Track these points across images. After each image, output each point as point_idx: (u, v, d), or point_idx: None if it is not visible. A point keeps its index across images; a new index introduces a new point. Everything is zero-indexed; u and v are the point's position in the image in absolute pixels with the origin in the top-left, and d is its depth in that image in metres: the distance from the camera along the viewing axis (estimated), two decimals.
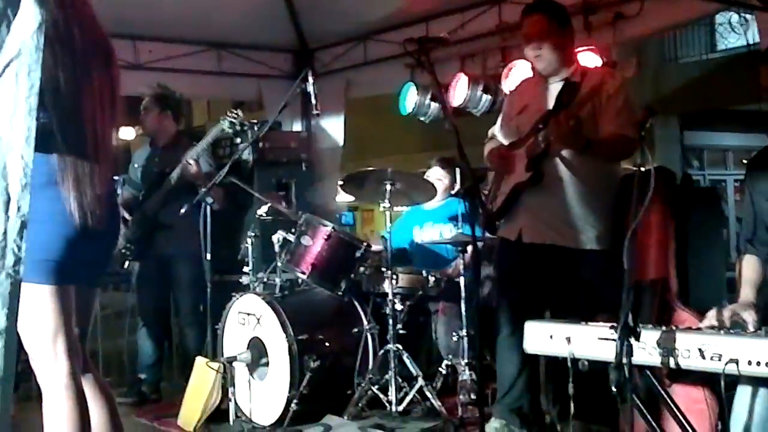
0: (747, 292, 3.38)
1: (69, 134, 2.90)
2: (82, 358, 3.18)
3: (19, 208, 2.00)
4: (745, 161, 17.54)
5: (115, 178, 3.38)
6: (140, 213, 5.92)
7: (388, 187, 5.12)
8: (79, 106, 2.93)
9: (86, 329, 3.26)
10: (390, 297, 5.09)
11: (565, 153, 4.29)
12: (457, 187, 5.95)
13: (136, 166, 6.19)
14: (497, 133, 4.72)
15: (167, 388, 6.14)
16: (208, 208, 5.28)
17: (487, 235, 4.59)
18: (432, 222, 6.14)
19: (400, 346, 5.02)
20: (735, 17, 12.25)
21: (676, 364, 2.99)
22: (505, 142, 4.60)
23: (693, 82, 14.47)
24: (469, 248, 4.99)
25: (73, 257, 2.92)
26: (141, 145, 6.74)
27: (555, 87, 4.39)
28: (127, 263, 5.96)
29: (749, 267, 3.43)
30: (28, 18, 1.94)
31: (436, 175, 6.13)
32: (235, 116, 5.51)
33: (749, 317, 3.22)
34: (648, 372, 3.20)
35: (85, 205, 2.92)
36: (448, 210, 6.03)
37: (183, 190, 5.69)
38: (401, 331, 5.12)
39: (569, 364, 3.27)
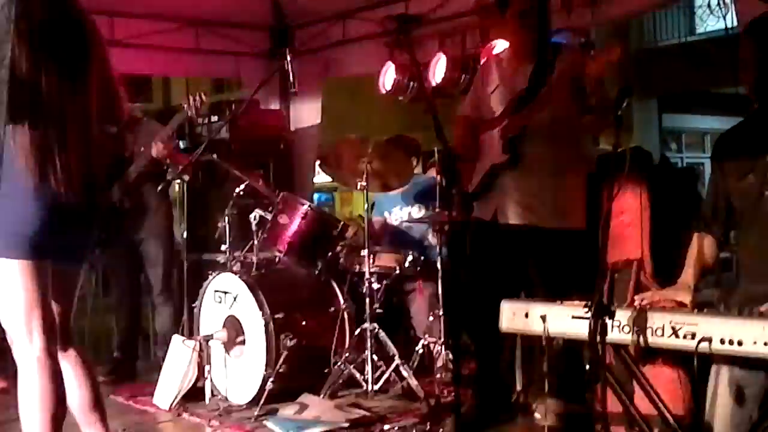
0: (688, 273, 3.40)
1: (29, 108, 2.87)
2: (67, 334, 3.17)
3: None
4: None
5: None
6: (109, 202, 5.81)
7: (366, 166, 5.11)
8: (60, 84, 2.91)
9: (71, 307, 3.24)
10: (367, 276, 5.09)
11: (540, 133, 4.29)
12: (419, 168, 5.96)
13: None
14: (467, 111, 4.70)
15: (143, 366, 6.13)
16: (185, 185, 5.24)
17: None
18: (400, 206, 6.12)
19: (376, 325, 5.03)
20: (714, 0, 12.27)
21: (650, 342, 3.01)
22: (477, 121, 4.58)
23: (672, 65, 14.51)
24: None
25: (44, 232, 2.90)
26: None
27: (527, 66, 4.39)
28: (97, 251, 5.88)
29: (701, 247, 3.45)
30: None
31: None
32: (200, 101, 5.39)
33: (686, 299, 3.25)
34: (622, 351, 3.22)
35: (52, 179, 2.89)
36: (414, 189, 6.01)
37: (150, 173, 5.62)
38: (378, 311, 5.14)
39: (544, 342, 3.29)
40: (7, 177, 2.70)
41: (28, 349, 2.94)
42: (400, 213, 6.09)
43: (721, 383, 3.02)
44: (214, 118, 7.11)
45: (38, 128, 2.88)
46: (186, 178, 5.23)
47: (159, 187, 5.41)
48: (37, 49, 2.86)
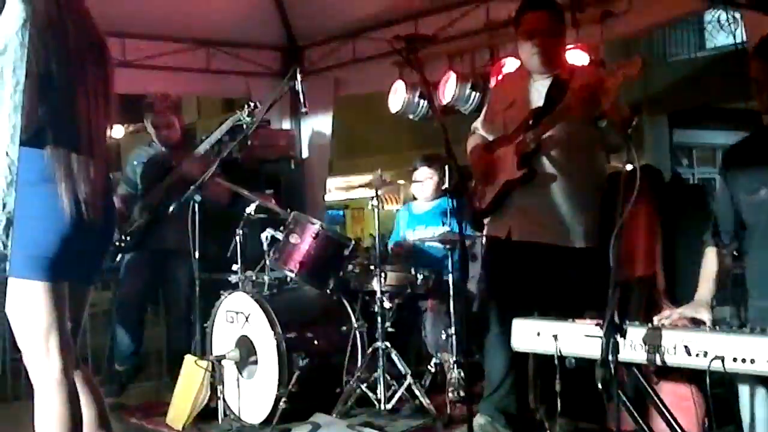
0: (704, 289, 3.40)
1: (62, 129, 2.90)
2: (74, 354, 3.17)
3: (4, 206, 2.00)
4: None
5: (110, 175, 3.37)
6: (141, 206, 5.89)
7: (377, 191, 5.15)
8: (73, 101, 2.93)
9: (79, 325, 3.25)
10: (378, 295, 5.09)
11: (555, 151, 4.29)
12: (446, 185, 5.94)
13: (135, 163, 6.17)
14: (480, 128, 4.72)
15: (155, 386, 6.13)
16: (196, 206, 5.26)
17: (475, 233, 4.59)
18: (424, 225, 6.14)
19: (388, 344, 5.02)
20: (724, 16, 12.27)
21: (662, 361, 3.01)
22: (490, 138, 4.60)
23: (682, 81, 14.51)
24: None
25: (67, 253, 2.91)
26: (132, 143, 6.72)
27: (542, 83, 4.38)
28: (119, 256, 5.93)
29: (713, 261, 3.44)
30: (13, 15, 1.94)
31: (424, 175, 6.13)
32: (254, 106, 5.47)
33: (705, 317, 3.25)
34: (634, 369, 3.21)
35: (79, 200, 2.91)
36: (439, 210, 6.01)
37: (183, 186, 5.66)
38: (390, 329, 5.13)
39: (556, 361, 3.28)
40: (28, 199, 2.73)
41: (45, 371, 2.94)
42: (424, 233, 6.09)
43: (760, 405, 3.02)
44: (225, 138, 7.14)
45: (65, 150, 2.90)
46: (198, 198, 5.24)
47: (171, 208, 5.43)
48: (65, 69, 2.88)
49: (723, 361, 2.82)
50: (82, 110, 2.95)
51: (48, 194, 2.88)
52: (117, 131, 13.96)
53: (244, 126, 5.58)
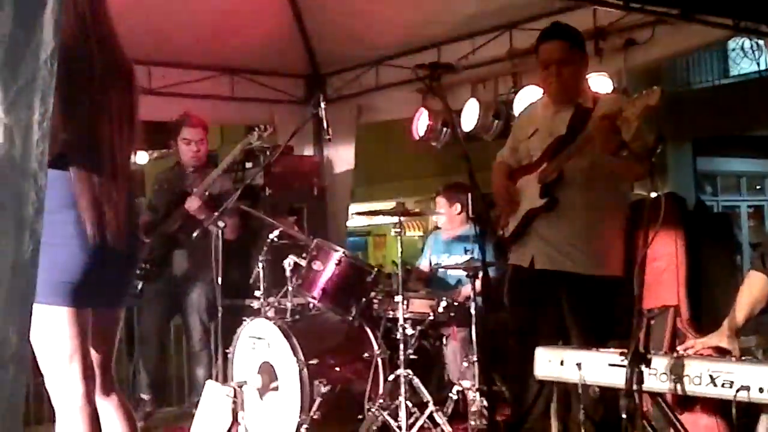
0: (740, 314, 3.34)
1: (85, 154, 2.91)
2: (108, 379, 3.17)
3: (32, 232, 2.02)
4: (758, 187, 17.55)
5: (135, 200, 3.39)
6: (159, 233, 5.93)
7: (399, 218, 5.17)
8: (96, 126, 2.94)
9: (112, 350, 3.25)
10: (401, 322, 5.08)
11: (578, 179, 4.29)
12: (470, 213, 5.96)
13: (156, 188, 6.22)
14: (505, 156, 4.72)
15: (177, 412, 6.13)
16: (220, 232, 5.29)
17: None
18: (448, 254, 6.14)
19: (410, 372, 5.00)
20: (747, 43, 12.27)
21: (687, 390, 2.98)
22: (515, 166, 4.60)
23: (706, 108, 14.47)
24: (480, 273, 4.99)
25: (91, 279, 2.91)
26: (156, 170, 6.76)
27: (566, 112, 4.39)
28: (140, 284, 5.96)
29: (757, 286, 3.39)
30: (43, 44, 1.97)
31: (443, 204, 6.16)
32: (264, 129, 5.51)
33: (732, 345, 3.21)
34: (659, 399, 3.19)
35: (103, 226, 2.92)
36: (464, 238, 6.01)
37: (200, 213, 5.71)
38: (412, 356, 5.11)
39: (580, 390, 3.26)
40: (53, 225, 2.74)
41: (67, 396, 2.95)
42: (449, 261, 6.09)
43: None
44: (249, 165, 7.18)
45: (90, 175, 2.92)
46: (221, 224, 5.27)
47: (194, 234, 5.46)
48: (90, 93, 2.90)
49: (749, 391, 2.79)
50: (105, 135, 2.96)
51: (71, 220, 2.89)
52: (141, 157, 14.03)
53: (255, 150, 5.60)
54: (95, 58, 2.93)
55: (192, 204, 5.67)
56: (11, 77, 1.88)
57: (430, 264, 6.28)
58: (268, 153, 6.73)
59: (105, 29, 3.03)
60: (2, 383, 1.62)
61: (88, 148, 2.93)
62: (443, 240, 6.28)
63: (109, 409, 3.12)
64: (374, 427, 5.02)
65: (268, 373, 5.12)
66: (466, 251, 5.73)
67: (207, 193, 5.71)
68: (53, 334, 2.91)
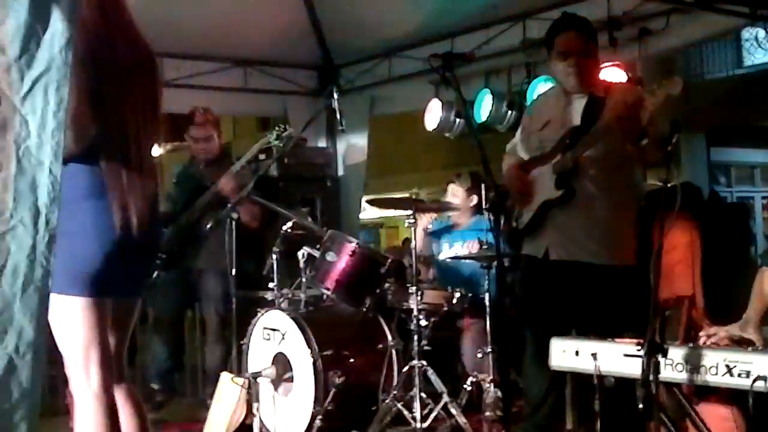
0: (755, 308, 3.34)
1: (113, 145, 2.92)
2: (119, 367, 3.19)
3: (47, 222, 2.02)
4: None
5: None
6: (176, 224, 5.93)
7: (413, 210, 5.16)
8: (123, 117, 2.95)
9: (125, 339, 3.26)
10: (415, 313, 5.08)
11: (593, 169, 4.26)
12: (483, 203, 5.92)
13: (174, 181, 6.23)
14: (516, 148, 4.70)
15: (191, 403, 6.15)
16: (233, 223, 5.29)
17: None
18: (461, 243, 6.13)
19: (425, 363, 5.00)
20: (762, 33, 12.21)
21: (704, 381, 2.97)
22: (526, 157, 4.58)
23: (720, 99, 14.40)
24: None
25: (113, 270, 2.92)
26: (171, 161, 6.78)
27: (579, 102, 4.37)
28: (155, 273, 5.97)
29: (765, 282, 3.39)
30: (58, 34, 1.97)
31: (456, 193, 6.13)
32: (283, 129, 5.50)
33: (754, 336, 3.20)
34: (675, 389, 3.18)
35: (129, 215, 2.93)
36: (476, 228, 5.99)
37: (219, 204, 5.70)
38: (426, 348, 5.10)
39: (595, 380, 3.26)
40: (73, 215, 2.75)
41: (85, 386, 2.96)
42: (462, 251, 6.08)
43: None
44: (262, 156, 7.19)
45: (116, 166, 2.92)
46: (235, 216, 5.27)
47: (209, 225, 5.46)
48: (116, 85, 2.90)
49: (766, 381, 2.78)
50: (131, 125, 2.97)
51: (94, 210, 2.89)
52: (155, 149, 14.07)
53: (274, 150, 5.59)
54: (119, 47, 2.93)
55: (226, 185, 5.64)
56: (27, 66, 1.88)
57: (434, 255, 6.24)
58: (274, 150, 6.72)
59: (126, 18, 3.03)
60: (20, 370, 1.63)
61: (117, 139, 2.94)
62: (455, 230, 6.24)
63: (117, 397, 3.13)
64: (388, 419, 5.02)
65: (283, 364, 5.13)
66: (480, 242, 5.72)
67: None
68: (73, 324, 2.92)
